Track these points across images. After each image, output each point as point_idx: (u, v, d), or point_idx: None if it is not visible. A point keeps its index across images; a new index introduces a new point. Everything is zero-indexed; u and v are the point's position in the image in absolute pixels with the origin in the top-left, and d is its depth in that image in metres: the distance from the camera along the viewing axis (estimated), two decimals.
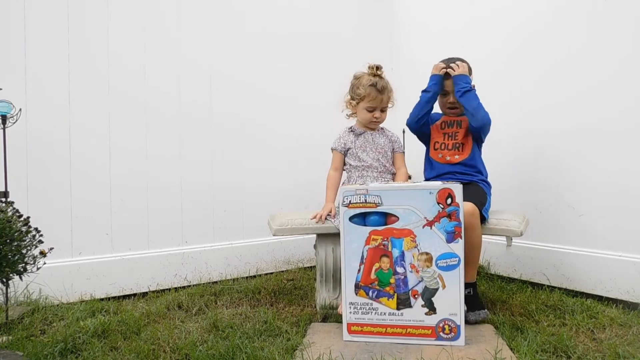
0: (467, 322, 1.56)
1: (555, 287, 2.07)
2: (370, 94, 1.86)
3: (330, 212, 1.84)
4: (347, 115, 2.03)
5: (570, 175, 2.06)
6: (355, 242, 1.52)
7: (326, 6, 2.81)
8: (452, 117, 1.96)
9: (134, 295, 2.14)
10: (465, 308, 1.58)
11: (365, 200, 1.51)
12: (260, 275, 2.46)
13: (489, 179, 1.94)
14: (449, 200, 1.45)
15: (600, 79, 1.94)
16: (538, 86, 2.18)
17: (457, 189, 1.45)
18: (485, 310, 1.68)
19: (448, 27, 2.66)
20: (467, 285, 1.68)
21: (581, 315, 1.71)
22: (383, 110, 1.92)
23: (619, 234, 1.89)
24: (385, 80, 1.89)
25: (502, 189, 1.87)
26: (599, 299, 1.91)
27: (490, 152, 2.00)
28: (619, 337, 1.52)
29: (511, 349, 1.42)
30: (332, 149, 2.01)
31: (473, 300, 1.69)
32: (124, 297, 2.11)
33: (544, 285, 2.11)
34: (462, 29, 2.57)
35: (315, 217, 1.83)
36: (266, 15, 2.57)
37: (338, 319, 1.73)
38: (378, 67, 1.90)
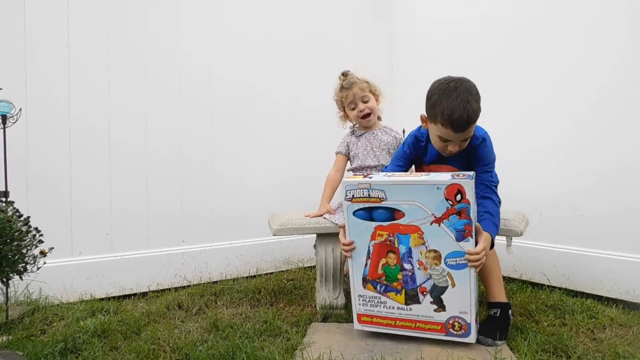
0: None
1: (555, 287, 2.07)
2: (343, 94, 1.99)
3: (329, 212, 1.85)
4: (350, 127, 2.09)
5: (568, 174, 2.06)
6: (360, 236, 1.47)
7: (326, 7, 2.82)
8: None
9: (134, 295, 2.14)
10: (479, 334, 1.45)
11: (369, 194, 1.41)
12: (260, 275, 2.45)
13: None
14: (458, 197, 1.32)
15: (599, 77, 1.95)
16: (537, 84, 2.18)
17: (467, 184, 1.32)
18: (501, 342, 1.45)
19: (449, 22, 2.66)
20: (495, 306, 1.53)
21: (581, 315, 1.71)
22: (365, 102, 1.97)
23: (619, 234, 1.89)
24: (352, 78, 1.97)
25: (501, 188, 1.86)
26: (599, 299, 1.91)
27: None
28: (619, 337, 1.52)
29: (511, 349, 1.42)
30: (336, 153, 2.07)
31: (498, 324, 1.47)
32: (124, 297, 2.11)
33: (544, 285, 2.11)
34: (463, 24, 2.56)
35: (309, 215, 1.85)
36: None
37: (338, 319, 1.73)
38: (343, 73, 2.01)
